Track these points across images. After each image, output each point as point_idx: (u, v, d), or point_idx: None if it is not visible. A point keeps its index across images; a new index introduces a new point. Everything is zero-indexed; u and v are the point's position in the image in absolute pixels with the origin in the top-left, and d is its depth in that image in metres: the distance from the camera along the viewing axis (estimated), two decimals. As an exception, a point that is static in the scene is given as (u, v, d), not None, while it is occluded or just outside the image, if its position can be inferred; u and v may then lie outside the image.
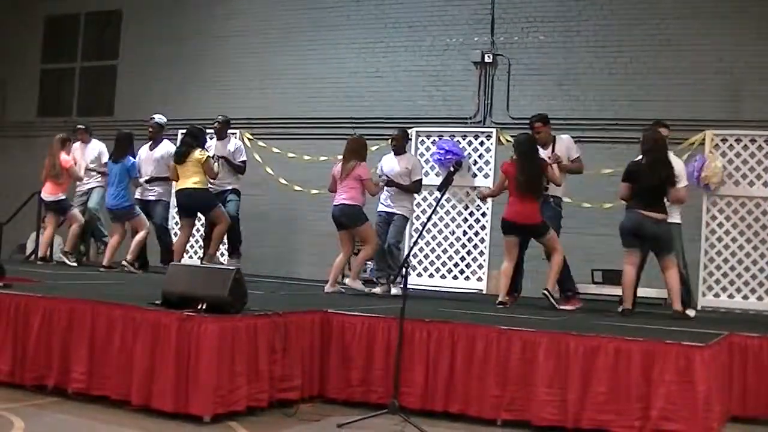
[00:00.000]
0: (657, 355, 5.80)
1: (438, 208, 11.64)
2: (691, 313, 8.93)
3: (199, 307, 5.95)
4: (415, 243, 9.25)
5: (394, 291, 9.81)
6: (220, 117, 11.94)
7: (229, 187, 11.63)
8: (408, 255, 7.99)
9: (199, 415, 5.70)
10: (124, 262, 11.21)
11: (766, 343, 6.74)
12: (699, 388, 5.67)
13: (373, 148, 13.43)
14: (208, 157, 10.76)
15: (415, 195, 10.78)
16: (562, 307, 9.04)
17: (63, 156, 11.95)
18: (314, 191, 13.43)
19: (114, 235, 11.53)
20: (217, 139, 11.85)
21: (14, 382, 6.47)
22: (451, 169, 8.16)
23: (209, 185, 10.98)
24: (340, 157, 10.07)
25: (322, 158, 13.56)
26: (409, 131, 11.64)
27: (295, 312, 6.69)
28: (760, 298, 10.82)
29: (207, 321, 5.80)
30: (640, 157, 8.74)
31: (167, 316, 5.94)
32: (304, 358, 6.58)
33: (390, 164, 10.25)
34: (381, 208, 10.20)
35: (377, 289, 9.86)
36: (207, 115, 14.62)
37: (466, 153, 12.13)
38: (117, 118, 16.34)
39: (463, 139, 12.40)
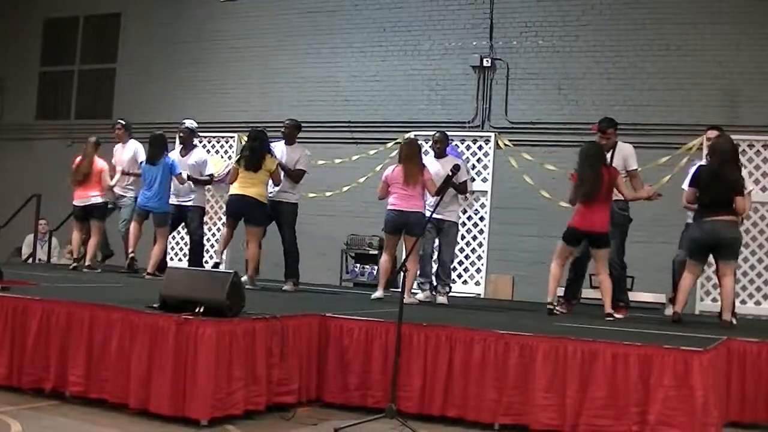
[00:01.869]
0: (655, 360, 5.80)
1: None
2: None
3: (197, 310, 5.94)
4: (445, 250, 9.13)
5: (440, 299, 9.71)
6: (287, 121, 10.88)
7: (289, 200, 10.49)
8: (406, 259, 7.99)
9: (196, 419, 5.68)
10: (146, 276, 10.79)
11: (764, 348, 6.73)
12: (697, 393, 5.66)
13: (371, 152, 13.50)
14: (278, 164, 10.13)
15: (462, 198, 10.52)
16: (615, 315, 8.69)
17: (98, 161, 11.66)
18: (312, 195, 13.42)
19: (135, 230, 11.08)
20: (286, 145, 10.71)
21: (12, 385, 6.46)
22: (450, 173, 8.16)
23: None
24: (338, 160, 9.98)
25: (320, 162, 13.56)
26: (407, 135, 11.60)
27: (292, 316, 6.67)
28: (758, 303, 10.83)
29: (205, 324, 5.80)
30: (705, 163, 8.54)
31: (165, 320, 5.93)
32: (302, 362, 6.57)
33: (434, 168, 9.66)
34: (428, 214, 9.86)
35: (420, 295, 9.69)
36: (205, 119, 14.65)
37: (464, 157, 12.14)
38: (115, 122, 16.31)
39: (462, 144, 12.41)
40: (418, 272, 9.78)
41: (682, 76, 12.71)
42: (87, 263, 11.68)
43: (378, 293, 9.46)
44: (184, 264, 12.48)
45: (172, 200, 11.27)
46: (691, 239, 8.56)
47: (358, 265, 13.76)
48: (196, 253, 11.71)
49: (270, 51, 15.66)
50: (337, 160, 13.74)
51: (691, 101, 12.53)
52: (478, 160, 12.24)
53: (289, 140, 10.58)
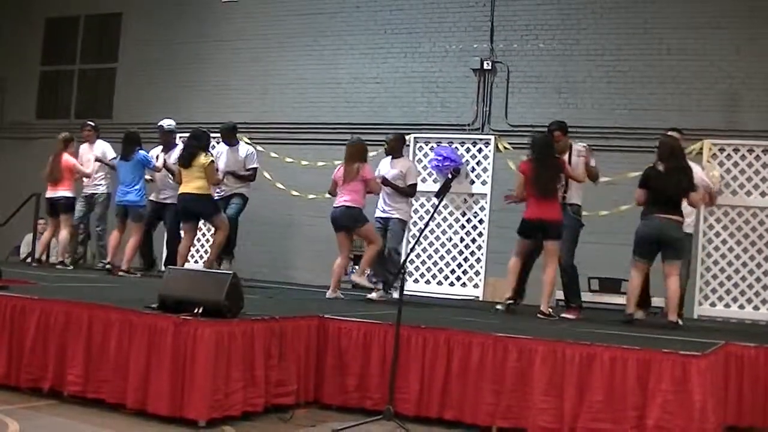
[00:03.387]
0: (653, 364, 5.80)
1: (435, 215, 11.65)
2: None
3: (195, 311, 5.94)
4: (413, 249, 9.24)
5: (395, 295, 9.81)
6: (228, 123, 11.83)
7: (237, 191, 11.49)
8: (405, 261, 8.01)
9: (194, 420, 5.68)
10: (120, 273, 11.10)
11: (762, 353, 6.75)
12: (695, 397, 5.66)
13: (372, 154, 13.46)
14: (212, 161, 10.59)
15: (412, 200, 10.74)
16: (563, 315, 9.00)
17: (66, 157, 11.88)
18: (311, 196, 13.43)
19: (115, 231, 11.35)
20: (227, 146, 11.67)
21: (10, 384, 6.46)
22: (449, 175, 8.16)
23: (216, 189, 10.97)
24: (338, 162, 10.05)
25: (320, 163, 13.57)
26: (408, 137, 11.63)
27: (291, 317, 6.68)
28: (756, 308, 10.83)
29: (203, 325, 5.80)
30: (657, 162, 8.62)
31: (164, 320, 5.93)
32: (300, 364, 6.58)
33: (385, 167, 10.25)
34: (378, 213, 10.17)
35: (373, 294, 9.84)
36: (205, 119, 14.64)
37: (464, 160, 12.15)
38: (115, 121, 16.33)
39: (462, 146, 12.42)
40: (372, 272, 10.19)
41: (682, 81, 12.71)
42: (59, 258, 11.93)
43: (329, 293, 9.81)
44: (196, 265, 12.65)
45: (152, 197, 11.64)
46: (638, 235, 8.59)
47: (356, 267, 13.70)
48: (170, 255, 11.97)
49: (271, 52, 15.66)
50: (337, 162, 13.67)
51: (691, 106, 12.53)
52: (478, 163, 12.24)
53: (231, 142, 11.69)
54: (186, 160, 10.47)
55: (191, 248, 11.30)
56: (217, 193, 11.15)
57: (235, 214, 11.40)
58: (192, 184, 10.42)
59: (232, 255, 11.51)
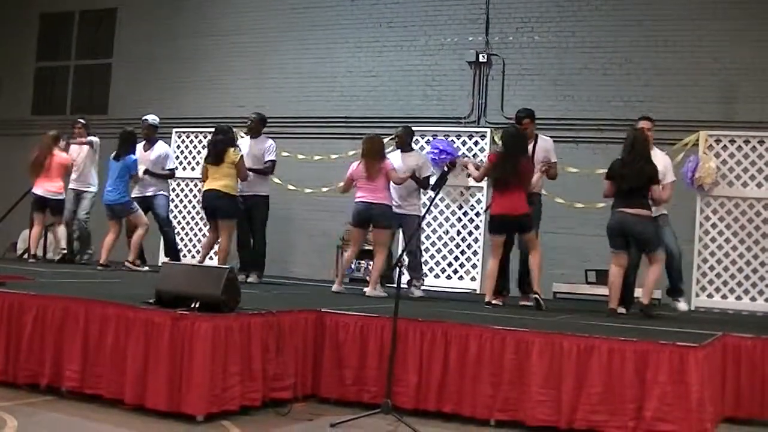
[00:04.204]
0: (651, 356, 5.80)
1: (432, 208, 11.65)
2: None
3: (192, 305, 5.94)
4: (409, 242, 9.24)
5: (417, 293, 9.96)
6: (253, 114, 11.26)
7: (260, 193, 10.83)
8: (401, 255, 8.00)
9: (192, 414, 5.68)
10: (126, 263, 11.19)
11: (759, 344, 6.75)
12: (693, 388, 5.67)
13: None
14: (242, 156, 10.27)
15: (428, 192, 10.59)
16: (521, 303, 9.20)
17: (58, 153, 11.91)
18: (308, 190, 13.42)
19: (109, 233, 11.28)
20: (252, 138, 11.10)
21: (7, 380, 6.45)
22: (445, 168, 8.18)
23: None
24: (335, 156, 10.02)
25: (316, 157, 13.55)
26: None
27: (288, 311, 6.68)
28: (753, 299, 10.85)
29: (200, 320, 5.80)
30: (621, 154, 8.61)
31: (161, 315, 5.93)
32: (298, 358, 6.58)
33: (397, 162, 10.01)
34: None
35: (417, 292, 9.97)
36: (202, 114, 14.66)
37: (460, 153, 12.15)
38: (111, 117, 16.32)
39: (458, 139, 12.42)
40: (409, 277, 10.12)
41: (678, 72, 12.71)
42: (60, 251, 12.18)
43: (336, 287, 9.73)
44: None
45: (135, 193, 11.64)
46: (607, 228, 8.57)
47: (353, 261, 13.73)
48: (169, 245, 12.17)
49: (266, 47, 15.64)
50: (334, 156, 13.71)
51: (688, 97, 12.53)
52: (474, 156, 12.23)
53: (255, 133, 11.00)
54: (217, 158, 10.15)
55: (215, 244, 10.63)
56: (240, 194, 10.54)
57: (261, 222, 10.88)
58: (220, 181, 10.11)
59: (262, 268, 10.94)
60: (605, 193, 8.65)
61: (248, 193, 10.65)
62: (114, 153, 11.39)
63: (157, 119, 12.24)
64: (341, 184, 10.13)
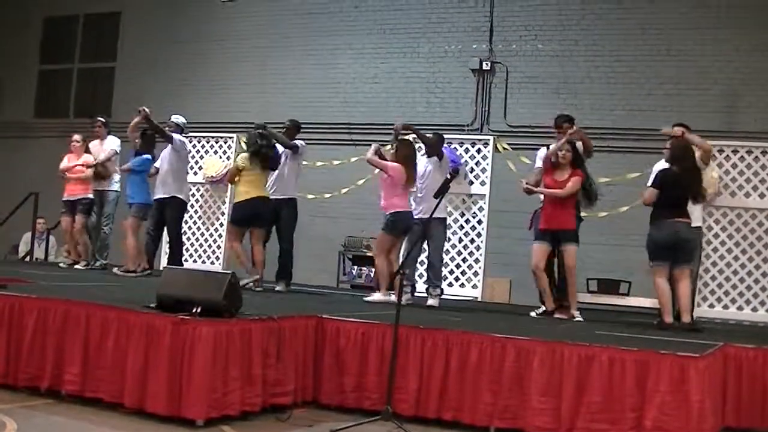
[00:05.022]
0: (651, 365, 5.80)
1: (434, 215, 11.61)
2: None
3: (193, 310, 5.94)
4: (411, 250, 9.22)
5: (431, 302, 9.72)
6: (288, 121, 10.89)
7: (291, 196, 10.52)
8: (404, 262, 7.98)
9: (192, 419, 5.68)
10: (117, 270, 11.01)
11: (760, 354, 6.74)
12: (693, 398, 5.66)
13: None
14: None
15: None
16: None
17: (85, 156, 11.85)
18: (310, 196, 13.41)
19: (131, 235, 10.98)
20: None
21: (7, 383, 6.45)
22: (448, 176, 8.16)
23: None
24: (337, 162, 9.98)
25: (319, 163, 13.55)
26: (408, 137, 11.56)
27: (289, 317, 6.67)
28: (755, 309, 10.82)
29: (201, 324, 5.79)
30: (668, 165, 8.61)
31: (162, 319, 5.93)
32: (298, 363, 6.57)
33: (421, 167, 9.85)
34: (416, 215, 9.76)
35: (433, 301, 9.66)
36: (204, 119, 14.66)
37: (462, 160, 12.13)
38: (114, 120, 16.29)
39: (460, 147, 12.40)
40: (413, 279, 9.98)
41: (681, 82, 12.73)
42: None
43: (377, 296, 9.43)
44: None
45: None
46: (652, 240, 8.45)
47: (355, 267, 13.76)
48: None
49: (269, 52, 15.67)
50: (336, 162, 13.73)
51: (690, 106, 12.52)
52: (477, 164, 12.22)
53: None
54: (275, 162, 10.09)
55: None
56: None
57: (290, 232, 10.54)
58: (263, 188, 10.09)
59: (290, 276, 10.65)
60: (648, 201, 8.53)
61: (281, 197, 10.40)
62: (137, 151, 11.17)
63: (183, 119, 11.70)
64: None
